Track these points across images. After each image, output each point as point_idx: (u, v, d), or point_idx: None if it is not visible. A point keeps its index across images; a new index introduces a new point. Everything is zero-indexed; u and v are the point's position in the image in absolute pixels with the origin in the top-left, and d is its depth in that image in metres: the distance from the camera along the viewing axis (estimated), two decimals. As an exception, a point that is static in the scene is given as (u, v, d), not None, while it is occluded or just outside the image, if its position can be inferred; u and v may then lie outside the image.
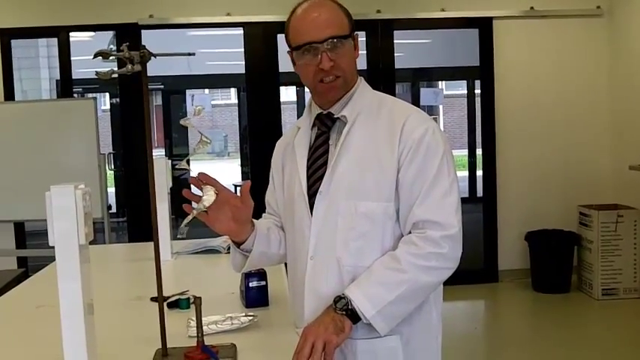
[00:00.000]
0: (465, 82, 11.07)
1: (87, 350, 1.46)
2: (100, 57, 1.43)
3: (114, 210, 8.98)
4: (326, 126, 1.69)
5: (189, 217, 1.56)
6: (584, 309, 5.34)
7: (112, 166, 9.17)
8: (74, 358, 1.45)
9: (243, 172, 11.67)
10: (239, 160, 12.64)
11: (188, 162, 1.45)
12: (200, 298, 1.52)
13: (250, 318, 1.87)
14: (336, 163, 1.63)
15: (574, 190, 5.93)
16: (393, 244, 1.61)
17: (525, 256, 5.77)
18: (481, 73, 6.04)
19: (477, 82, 6.91)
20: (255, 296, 2.05)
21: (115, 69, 1.46)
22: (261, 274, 2.05)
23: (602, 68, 6.01)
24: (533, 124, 5.97)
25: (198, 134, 1.48)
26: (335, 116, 1.68)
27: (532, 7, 5.88)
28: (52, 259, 2.81)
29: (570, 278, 5.65)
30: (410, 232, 1.60)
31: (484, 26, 5.90)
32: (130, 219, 6.02)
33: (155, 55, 1.39)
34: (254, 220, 1.75)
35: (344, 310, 1.53)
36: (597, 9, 5.94)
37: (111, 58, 1.44)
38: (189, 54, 1.49)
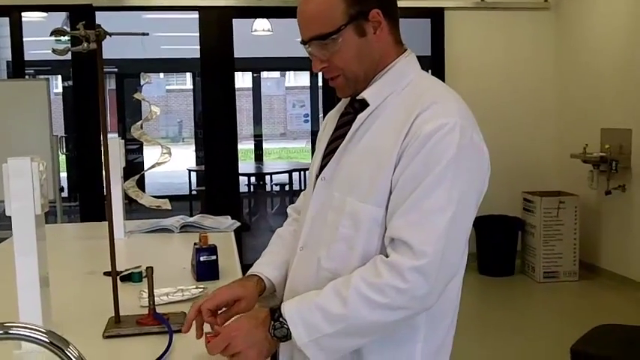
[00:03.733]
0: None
1: (42, 319, 1.52)
2: (54, 37, 1.49)
3: (65, 194, 8.90)
4: (353, 107, 1.47)
5: None
6: (526, 291, 5.56)
7: (64, 150, 9.08)
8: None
9: (197, 158, 11.68)
10: (194, 145, 12.64)
11: (141, 126, 1.51)
12: (152, 267, 1.59)
13: (200, 290, 1.94)
14: (343, 150, 1.42)
15: (519, 177, 6.14)
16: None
17: (472, 241, 5.94)
18: (432, 63, 6.19)
19: (429, 72, 7.02)
20: (206, 270, 2.11)
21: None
22: (211, 249, 2.12)
23: (548, 60, 6.22)
24: (480, 113, 6.02)
25: (147, 104, 1.54)
26: (357, 97, 1.45)
27: (483, -1, 6.05)
28: (1, 240, 2.82)
29: (514, 262, 5.87)
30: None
31: (436, 16, 6.05)
32: (82, 202, 6.01)
33: (110, 34, 1.45)
34: (262, 275, 1.57)
35: (280, 339, 1.33)
36: (545, 2, 6.14)
37: (64, 39, 1.48)
38: (143, 34, 1.55)
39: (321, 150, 1.52)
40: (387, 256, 1.30)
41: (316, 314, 1.29)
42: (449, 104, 1.35)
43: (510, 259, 5.84)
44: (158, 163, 1.51)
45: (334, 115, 1.55)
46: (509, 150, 6.17)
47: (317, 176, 1.48)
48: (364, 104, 1.41)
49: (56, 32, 1.45)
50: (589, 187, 5.55)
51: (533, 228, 5.65)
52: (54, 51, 1.43)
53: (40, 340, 0.78)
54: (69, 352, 0.78)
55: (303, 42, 1.41)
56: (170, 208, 1.69)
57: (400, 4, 1.43)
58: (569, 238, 5.57)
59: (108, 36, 1.45)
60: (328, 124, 1.56)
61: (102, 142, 1.66)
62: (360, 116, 1.40)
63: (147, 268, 1.60)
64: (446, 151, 1.27)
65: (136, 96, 1.52)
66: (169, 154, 1.54)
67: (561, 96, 6.18)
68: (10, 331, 0.78)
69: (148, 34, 1.50)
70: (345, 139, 1.42)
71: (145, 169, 1.51)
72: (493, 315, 4.93)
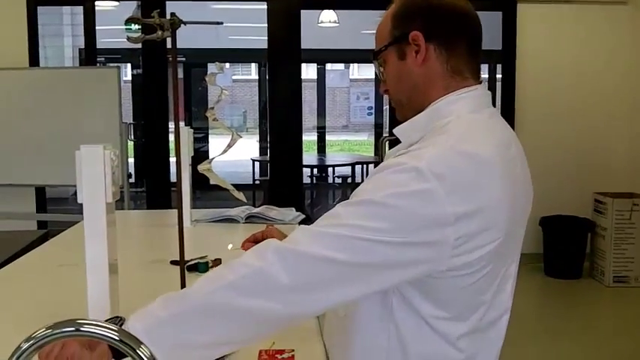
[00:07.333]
0: (487, 65, 11.03)
1: (110, 306, 1.53)
2: (127, 26, 1.49)
3: (132, 180, 9.09)
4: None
5: None
6: (594, 295, 5.37)
7: (132, 137, 9.29)
8: (98, 309, 1.52)
9: (261, 148, 11.76)
10: (257, 136, 12.72)
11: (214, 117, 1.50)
12: (220, 259, 1.58)
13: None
14: None
15: (590, 176, 5.94)
16: (380, 299, 1.26)
17: (539, 241, 5.79)
18: (503, 57, 6.03)
19: (499, 67, 6.88)
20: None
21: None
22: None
23: (623, 56, 5.98)
24: (551, 110, 5.97)
25: (219, 89, 1.53)
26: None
27: (557, -7, 5.86)
28: (72, 224, 2.88)
29: (582, 264, 5.68)
30: None
31: (508, 9, 5.89)
32: (149, 188, 6.11)
33: (185, 23, 1.44)
34: None
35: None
36: (623, -4, 5.91)
37: (134, 27, 1.49)
38: (218, 23, 1.53)
39: None
40: None
41: (158, 301, 1.16)
42: (434, 150, 1.15)
43: (578, 262, 5.65)
44: (229, 145, 1.49)
45: None
46: (581, 149, 5.98)
47: None
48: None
49: (131, 20, 1.44)
50: (665, 190, 5.33)
51: (604, 230, 5.46)
52: (129, 39, 1.42)
53: (112, 338, 0.76)
54: (140, 351, 0.77)
55: None
56: (245, 200, 1.67)
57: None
58: (643, 241, 5.36)
59: (182, 24, 1.43)
60: None
61: (174, 130, 1.66)
62: (388, 153, 1.31)
63: (214, 259, 1.59)
64: (384, 187, 1.12)
65: (207, 79, 1.51)
66: (239, 136, 1.53)
67: (636, 93, 5.94)
68: (82, 329, 0.76)
69: (222, 23, 1.48)
70: None
71: (220, 152, 1.50)
72: (557, 319, 4.78)
